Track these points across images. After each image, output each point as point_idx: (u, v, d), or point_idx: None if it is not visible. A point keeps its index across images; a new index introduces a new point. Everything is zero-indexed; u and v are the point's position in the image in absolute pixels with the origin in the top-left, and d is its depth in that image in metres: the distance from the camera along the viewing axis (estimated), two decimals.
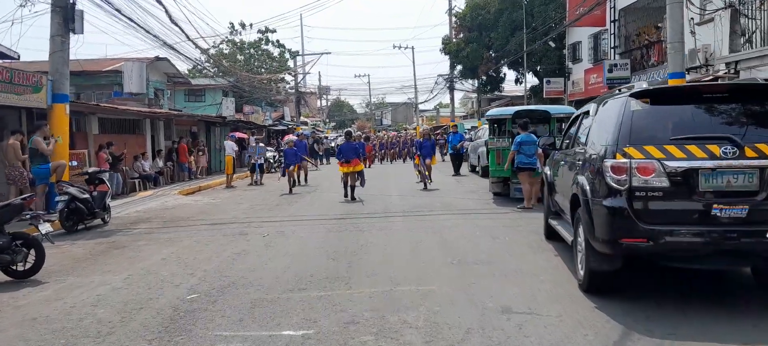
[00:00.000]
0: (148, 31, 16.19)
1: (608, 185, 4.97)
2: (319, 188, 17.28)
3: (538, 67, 32.71)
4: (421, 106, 67.87)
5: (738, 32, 13.68)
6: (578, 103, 21.36)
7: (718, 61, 14.40)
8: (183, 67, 40.24)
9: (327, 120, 71.57)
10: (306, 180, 18.88)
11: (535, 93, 32.14)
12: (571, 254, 6.13)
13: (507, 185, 13.00)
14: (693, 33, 15.51)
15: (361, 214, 11.44)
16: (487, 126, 21.14)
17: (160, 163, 19.71)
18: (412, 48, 66.93)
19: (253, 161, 19.98)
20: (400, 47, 60.65)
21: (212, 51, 44.52)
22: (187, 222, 11.15)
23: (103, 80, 28.14)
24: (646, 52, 21.70)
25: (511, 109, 12.88)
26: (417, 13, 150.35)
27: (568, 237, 6.34)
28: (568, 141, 7.40)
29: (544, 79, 30.08)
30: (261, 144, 20.63)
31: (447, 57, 40.87)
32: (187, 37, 21.62)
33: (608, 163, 4.98)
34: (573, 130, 7.23)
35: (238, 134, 25.60)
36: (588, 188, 5.38)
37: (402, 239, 8.57)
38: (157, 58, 29.91)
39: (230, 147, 19.73)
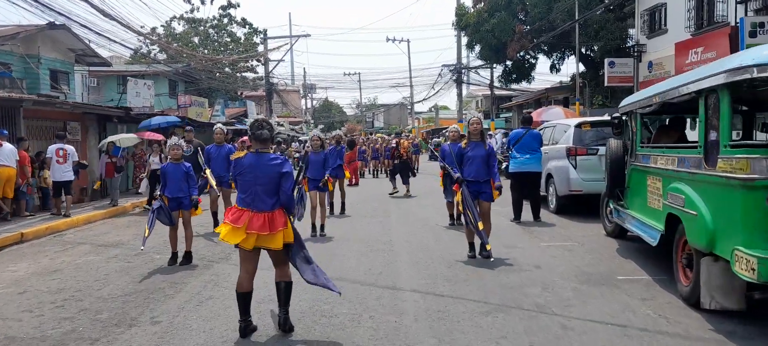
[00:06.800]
0: None
1: None
2: (229, 259, 7.93)
3: (587, 48, 23.77)
4: (416, 107, 60.01)
5: None
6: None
7: None
8: (117, 50, 31.24)
9: (310, 121, 62.26)
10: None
11: (588, 82, 23.22)
12: None
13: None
14: None
15: None
16: (568, 126, 12.11)
17: None
18: (408, 41, 58.95)
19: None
20: (394, 40, 52.43)
21: (160, 30, 35.37)
22: None
23: None
24: None
25: (734, 60, 3.58)
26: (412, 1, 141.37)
27: None
28: None
29: (607, 61, 21.18)
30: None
31: (455, 37, 32.26)
32: None
33: None
34: None
35: (148, 135, 16.35)
36: None
37: None
38: (52, 25, 20.61)
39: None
